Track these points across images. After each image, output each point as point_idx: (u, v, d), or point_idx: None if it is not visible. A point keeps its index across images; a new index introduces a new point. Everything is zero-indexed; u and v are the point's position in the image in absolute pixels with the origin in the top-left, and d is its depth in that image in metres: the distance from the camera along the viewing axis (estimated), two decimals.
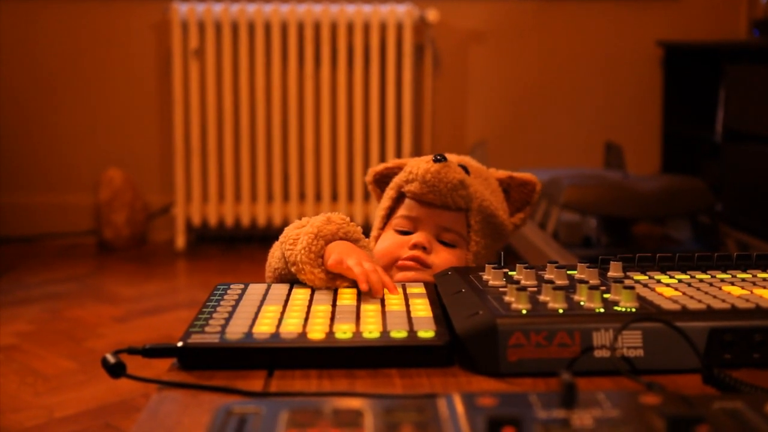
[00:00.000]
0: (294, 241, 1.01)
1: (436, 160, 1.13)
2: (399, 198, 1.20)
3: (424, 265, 1.13)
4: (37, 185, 3.47)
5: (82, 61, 3.42)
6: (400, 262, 1.14)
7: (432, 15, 3.29)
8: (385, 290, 0.94)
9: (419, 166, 1.14)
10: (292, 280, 1.02)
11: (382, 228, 1.20)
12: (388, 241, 1.16)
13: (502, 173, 1.26)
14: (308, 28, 3.24)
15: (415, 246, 1.14)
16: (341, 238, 1.02)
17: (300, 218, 1.10)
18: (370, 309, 0.89)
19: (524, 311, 0.80)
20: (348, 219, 1.05)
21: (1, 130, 3.42)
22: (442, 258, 1.14)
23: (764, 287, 0.90)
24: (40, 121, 3.44)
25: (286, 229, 1.05)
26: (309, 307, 0.91)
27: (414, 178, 1.14)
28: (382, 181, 1.26)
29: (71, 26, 3.40)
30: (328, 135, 3.31)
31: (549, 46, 3.52)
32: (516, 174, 1.26)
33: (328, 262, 0.97)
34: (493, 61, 3.51)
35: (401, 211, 1.18)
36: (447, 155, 1.18)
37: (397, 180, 1.19)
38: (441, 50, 3.47)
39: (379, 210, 1.22)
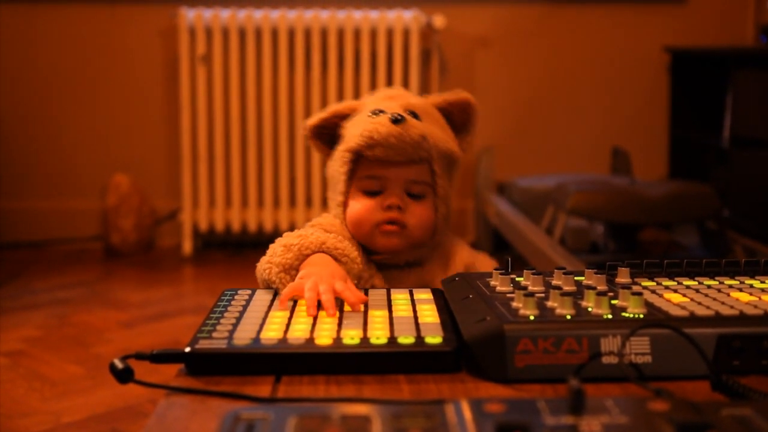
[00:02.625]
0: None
1: (395, 121, 1.11)
2: (356, 159, 1.17)
3: (401, 226, 1.14)
4: (44, 191, 3.48)
5: (90, 66, 3.43)
6: (383, 227, 1.14)
7: (439, 21, 3.29)
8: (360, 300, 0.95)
9: (378, 130, 1.11)
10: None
11: (346, 191, 1.18)
12: (361, 206, 1.16)
13: (438, 99, 1.23)
14: (315, 34, 3.24)
15: (389, 207, 1.14)
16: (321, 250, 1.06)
17: (307, 221, 1.12)
18: (377, 315, 0.89)
19: (532, 317, 0.80)
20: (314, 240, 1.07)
21: (8, 135, 3.44)
22: (416, 216, 1.15)
23: None
24: (47, 127, 3.45)
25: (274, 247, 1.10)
26: (316, 312, 0.91)
27: (376, 142, 1.12)
28: (321, 132, 1.23)
29: (79, 31, 3.41)
30: None
31: (555, 52, 3.51)
32: (450, 97, 1.23)
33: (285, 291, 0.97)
34: (500, 67, 3.51)
35: (365, 171, 1.16)
36: (395, 103, 1.17)
37: (352, 144, 1.15)
38: (447, 56, 3.47)
39: (337, 174, 1.19)
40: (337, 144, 1.20)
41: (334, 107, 1.23)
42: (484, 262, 1.24)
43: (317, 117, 1.22)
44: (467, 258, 1.23)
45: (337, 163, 1.18)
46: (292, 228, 3.24)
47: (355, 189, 1.17)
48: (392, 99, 1.20)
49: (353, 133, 1.15)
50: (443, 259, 1.21)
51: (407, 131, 1.11)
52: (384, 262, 1.17)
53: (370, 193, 1.16)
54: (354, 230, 1.17)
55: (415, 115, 1.16)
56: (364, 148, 1.13)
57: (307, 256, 1.04)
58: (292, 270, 1.02)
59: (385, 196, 1.15)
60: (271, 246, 1.11)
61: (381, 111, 1.15)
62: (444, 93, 1.25)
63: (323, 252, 1.05)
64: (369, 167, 1.15)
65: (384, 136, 1.11)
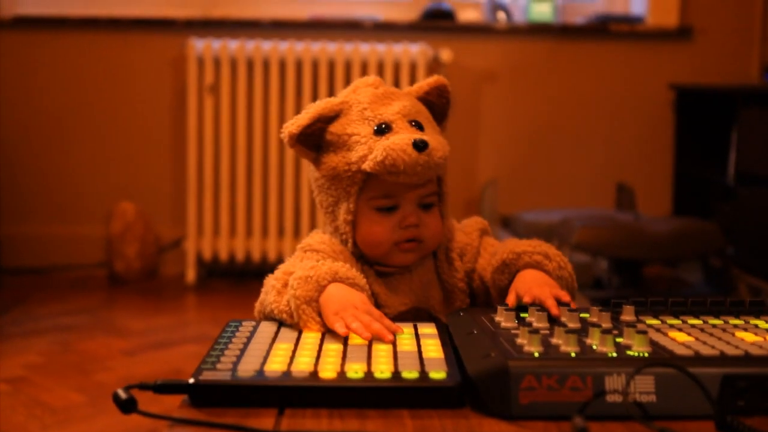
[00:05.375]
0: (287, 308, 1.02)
1: (418, 148, 1.07)
2: (366, 176, 1.11)
3: (419, 242, 1.13)
4: (49, 217, 3.49)
5: (98, 94, 3.45)
6: (402, 245, 1.12)
7: (445, 55, 3.32)
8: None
9: (403, 159, 1.06)
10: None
11: (356, 210, 1.13)
12: (377, 225, 1.12)
13: (418, 91, 1.21)
14: (323, 66, 3.26)
15: (407, 226, 1.12)
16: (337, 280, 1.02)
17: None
18: (381, 349, 0.89)
19: (536, 354, 0.80)
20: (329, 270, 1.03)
21: (14, 161, 3.45)
22: (430, 228, 1.14)
23: None
24: (54, 153, 3.47)
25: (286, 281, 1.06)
26: (321, 345, 0.91)
27: (400, 170, 1.06)
28: (305, 138, 1.13)
29: (88, 60, 3.44)
30: None
31: (561, 87, 3.53)
32: (426, 86, 1.22)
33: (327, 322, 0.97)
34: (506, 102, 3.52)
35: (377, 190, 1.11)
36: (391, 110, 1.12)
37: (365, 167, 1.08)
38: (453, 90, 3.47)
39: (344, 193, 1.12)
40: (324, 148, 1.14)
41: (315, 111, 1.13)
42: (471, 224, 1.24)
43: (298, 124, 1.12)
44: (460, 242, 1.21)
45: (345, 182, 1.11)
46: None
47: (366, 207, 1.12)
48: (384, 103, 1.14)
49: (363, 154, 1.09)
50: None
51: (432, 158, 1.07)
52: (388, 272, 1.15)
53: (383, 210, 1.12)
54: (369, 250, 1.13)
55: (419, 125, 1.13)
56: (384, 173, 1.07)
57: (324, 287, 1.00)
58: (313, 302, 0.99)
59: (402, 215, 1.12)
60: (267, 281, 1.10)
61: (386, 126, 1.10)
62: (418, 83, 1.23)
63: (337, 281, 1.02)
64: (382, 186, 1.11)
65: (410, 165, 1.06)
